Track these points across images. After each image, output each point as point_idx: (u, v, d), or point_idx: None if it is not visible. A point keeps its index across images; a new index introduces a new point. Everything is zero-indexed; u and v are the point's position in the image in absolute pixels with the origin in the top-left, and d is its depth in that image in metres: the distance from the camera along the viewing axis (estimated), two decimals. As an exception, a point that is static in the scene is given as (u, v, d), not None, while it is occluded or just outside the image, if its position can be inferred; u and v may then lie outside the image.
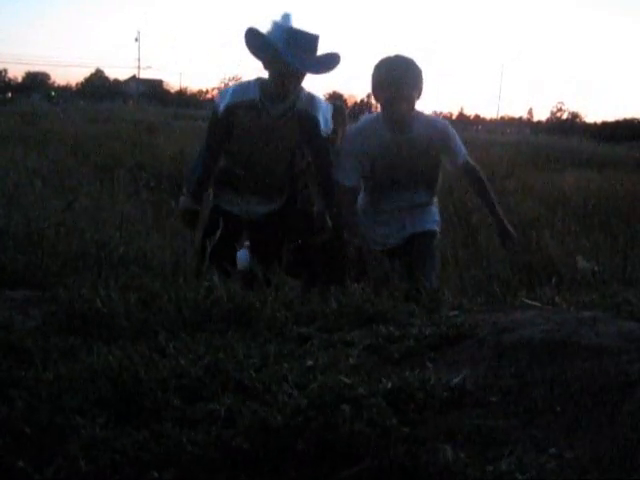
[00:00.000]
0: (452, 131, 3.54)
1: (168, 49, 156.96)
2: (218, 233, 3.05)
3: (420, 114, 3.47)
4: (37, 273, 3.45)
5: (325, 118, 3.37)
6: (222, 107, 3.29)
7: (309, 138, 3.37)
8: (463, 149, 3.56)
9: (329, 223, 3.42)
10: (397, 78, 3.26)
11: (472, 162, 3.59)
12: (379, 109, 3.53)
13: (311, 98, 3.35)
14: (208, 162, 3.43)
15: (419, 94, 3.36)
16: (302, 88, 3.31)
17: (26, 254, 3.82)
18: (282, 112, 3.29)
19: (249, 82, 3.35)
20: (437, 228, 3.61)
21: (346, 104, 4.23)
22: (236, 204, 3.45)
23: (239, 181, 3.41)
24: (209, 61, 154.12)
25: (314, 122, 3.32)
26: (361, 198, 3.58)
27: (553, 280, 3.14)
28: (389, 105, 3.32)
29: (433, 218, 3.60)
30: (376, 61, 3.39)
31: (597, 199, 9.43)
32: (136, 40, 71.61)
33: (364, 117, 3.77)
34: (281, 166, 3.44)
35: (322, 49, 3.23)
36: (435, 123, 3.56)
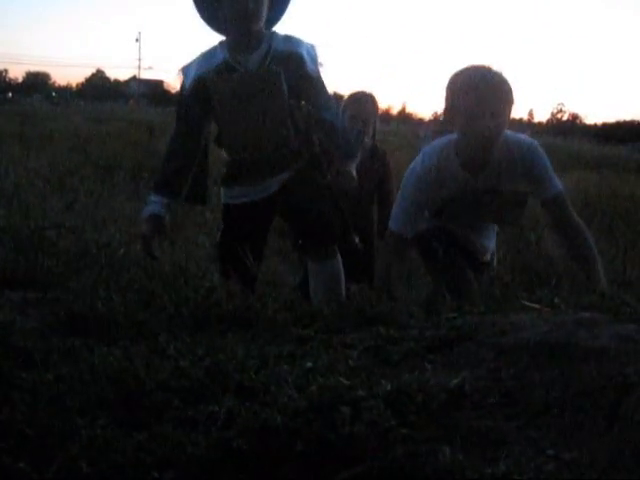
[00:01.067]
0: (541, 153, 2.81)
1: (169, 49, 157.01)
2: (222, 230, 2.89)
3: (502, 142, 2.76)
4: (37, 274, 3.45)
5: (310, 55, 2.92)
6: (189, 82, 2.93)
7: (297, 79, 2.87)
8: (556, 179, 2.83)
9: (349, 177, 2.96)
10: (487, 97, 2.59)
11: (568, 201, 2.88)
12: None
13: (288, 37, 2.96)
14: (179, 150, 3.00)
15: (507, 122, 2.71)
16: (275, 32, 2.96)
17: (26, 255, 3.83)
18: (259, 61, 2.88)
19: (213, 47, 2.99)
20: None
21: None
22: (250, 191, 3.01)
23: (246, 168, 2.97)
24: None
25: (298, 59, 2.88)
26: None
27: (547, 281, 3.11)
28: (470, 135, 2.67)
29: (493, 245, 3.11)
30: (451, 74, 2.73)
31: (597, 201, 9.44)
32: (137, 40, 71.75)
33: (436, 145, 2.89)
34: (281, 128, 2.89)
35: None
36: (520, 146, 2.79)
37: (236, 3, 2.80)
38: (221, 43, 2.98)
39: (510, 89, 2.62)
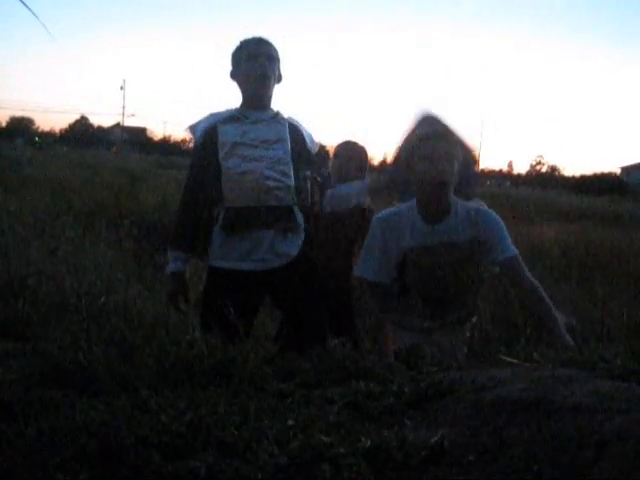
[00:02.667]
0: (493, 218, 3.00)
1: (152, 97, 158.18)
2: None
3: (457, 199, 2.95)
4: (18, 323, 3.44)
5: (309, 137, 3.24)
6: (198, 135, 3.09)
7: (299, 149, 3.12)
8: (510, 243, 3.01)
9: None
10: (441, 141, 2.78)
11: (523, 264, 3.02)
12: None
13: (292, 117, 3.23)
14: (193, 203, 3.07)
15: (459, 162, 2.85)
16: (280, 111, 3.19)
17: (7, 303, 3.81)
18: (268, 118, 3.11)
19: (221, 110, 3.17)
20: None
21: (328, 154, 4.19)
22: (246, 251, 3.00)
23: (244, 216, 2.99)
24: (193, 110, 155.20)
25: (300, 134, 3.18)
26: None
27: (527, 333, 3.13)
28: (427, 179, 2.80)
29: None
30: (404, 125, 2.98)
31: (576, 252, 9.54)
32: (121, 88, 72.25)
33: (396, 206, 3.15)
34: (284, 181, 3.01)
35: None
36: (477, 209, 2.98)
37: (252, 63, 3.07)
38: (230, 109, 3.16)
39: (459, 139, 2.86)
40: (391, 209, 3.07)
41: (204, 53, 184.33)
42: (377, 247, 2.97)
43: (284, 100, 3.25)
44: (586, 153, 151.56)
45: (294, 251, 3.07)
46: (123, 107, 72.87)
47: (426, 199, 2.87)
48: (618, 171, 62.54)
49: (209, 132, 3.05)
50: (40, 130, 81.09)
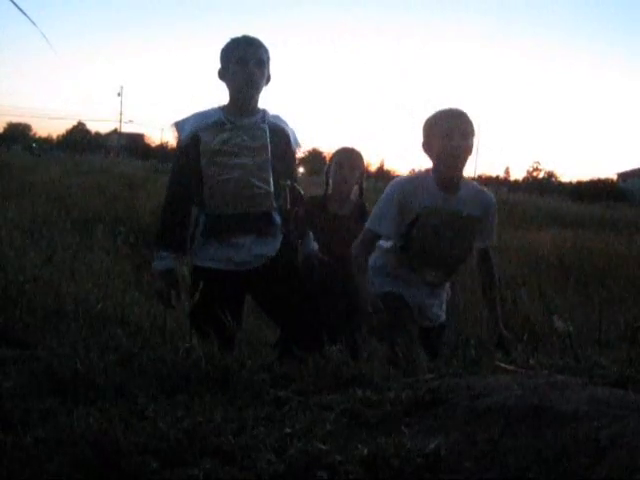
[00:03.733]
0: (496, 206, 3.35)
1: (150, 103, 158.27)
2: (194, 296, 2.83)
3: (468, 180, 3.30)
4: (15, 330, 3.44)
5: (294, 136, 3.26)
6: (184, 136, 3.09)
7: (282, 152, 3.16)
8: (494, 232, 3.34)
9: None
10: (457, 121, 3.11)
11: (493, 252, 3.38)
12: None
13: (277, 116, 3.23)
14: (178, 203, 3.12)
15: (471, 150, 3.20)
16: (266, 109, 3.19)
17: (3, 309, 3.81)
18: (251, 124, 3.11)
19: (208, 109, 3.17)
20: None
21: (325, 160, 4.21)
22: (226, 256, 3.08)
23: (224, 223, 3.06)
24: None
25: (285, 136, 3.20)
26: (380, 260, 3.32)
27: (524, 339, 3.18)
28: (445, 153, 3.11)
29: (444, 306, 3.42)
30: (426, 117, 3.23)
31: (573, 258, 9.56)
32: (119, 94, 72.28)
33: (412, 174, 3.44)
34: (264, 187, 3.09)
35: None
36: (484, 192, 3.34)
37: (241, 68, 3.06)
38: (216, 108, 3.15)
39: (472, 121, 3.13)
40: (407, 176, 3.40)
41: (202, 59, 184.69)
42: (391, 206, 3.15)
43: (281, 105, 3.26)
44: (583, 159, 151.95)
45: (272, 252, 3.14)
46: (120, 113, 72.52)
47: (442, 172, 3.15)
48: (615, 177, 62.59)
49: (193, 137, 3.07)
50: (37, 136, 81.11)
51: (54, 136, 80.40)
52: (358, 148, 4.13)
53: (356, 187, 4.09)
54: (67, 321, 3.93)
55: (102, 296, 4.71)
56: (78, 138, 72.04)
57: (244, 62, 3.06)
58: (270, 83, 3.23)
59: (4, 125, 78.87)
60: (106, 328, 3.58)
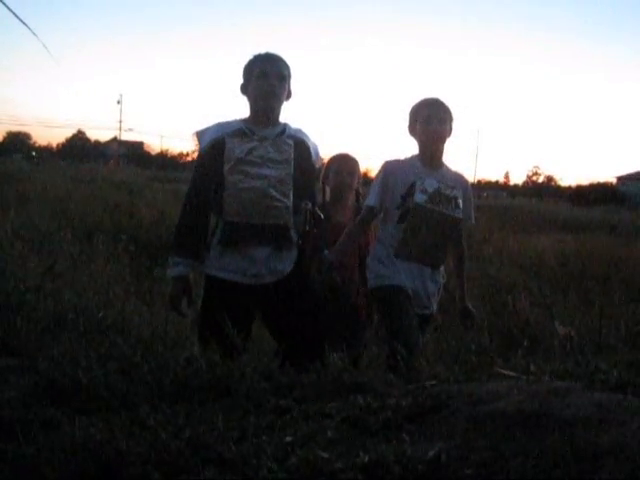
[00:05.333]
0: (471, 189, 3.81)
1: (149, 111, 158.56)
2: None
3: (447, 165, 3.68)
4: (16, 339, 3.44)
5: (315, 150, 3.32)
6: (205, 144, 3.14)
7: (302, 165, 3.19)
8: (473, 212, 3.76)
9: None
10: (435, 108, 3.54)
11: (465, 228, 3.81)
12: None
13: (299, 130, 3.30)
14: (196, 210, 3.14)
15: (450, 131, 3.62)
16: (287, 123, 3.25)
17: (5, 319, 3.81)
18: (275, 136, 3.16)
19: (229, 120, 3.23)
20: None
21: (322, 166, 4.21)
22: (240, 267, 3.08)
23: (241, 232, 3.07)
24: (190, 123, 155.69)
25: (306, 148, 3.25)
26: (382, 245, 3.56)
27: (525, 345, 3.20)
28: (425, 136, 3.54)
29: (438, 296, 3.66)
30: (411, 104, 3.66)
31: (572, 262, 9.56)
32: (118, 102, 72.28)
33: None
34: (283, 201, 3.11)
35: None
36: (462, 175, 3.78)
37: (263, 81, 3.13)
38: (238, 119, 3.22)
39: (449, 109, 3.59)
40: (396, 158, 3.71)
41: (201, 67, 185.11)
42: (378, 181, 3.54)
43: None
44: (582, 163, 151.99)
45: (287, 268, 3.14)
46: (120, 121, 72.46)
47: (424, 153, 3.59)
48: (614, 181, 62.56)
49: (216, 143, 3.10)
50: (37, 145, 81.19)
51: (54, 145, 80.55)
52: (353, 155, 4.16)
53: (353, 192, 4.13)
54: (68, 330, 3.92)
55: (103, 305, 4.71)
56: (78, 146, 72.12)
57: (265, 75, 3.14)
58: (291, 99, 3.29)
59: (4, 134, 79.00)
60: (107, 337, 3.59)
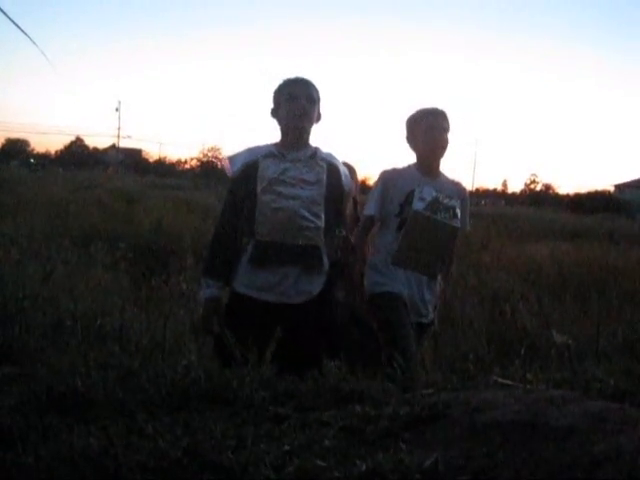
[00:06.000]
0: (468, 197, 3.85)
1: (147, 118, 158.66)
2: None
3: (445, 175, 3.72)
4: (14, 347, 3.44)
5: (344, 173, 3.34)
6: (236, 168, 3.20)
7: (333, 187, 3.23)
8: (468, 219, 3.79)
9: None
10: (436, 118, 3.59)
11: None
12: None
13: (330, 153, 3.34)
14: (227, 235, 3.19)
15: (448, 143, 3.65)
16: (318, 147, 3.30)
17: (2, 326, 3.82)
18: (307, 158, 3.22)
19: (259, 145, 3.30)
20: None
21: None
22: (269, 286, 3.11)
23: (272, 251, 3.10)
24: (188, 131, 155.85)
25: (337, 171, 3.28)
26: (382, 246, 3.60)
27: (523, 353, 3.21)
28: (428, 145, 3.58)
29: (435, 304, 3.67)
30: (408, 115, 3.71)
31: (571, 270, 9.57)
32: (116, 110, 72.34)
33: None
34: (314, 221, 3.14)
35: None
36: (459, 183, 3.82)
37: (293, 103, 3.20)
38: (268, 144, 3.28)
39: (449, 119, 3.64)
40: (393, 167, 3.73)
41: (199, 74, 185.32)
42: (376, 190, 3.60)
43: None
44: (580, 171, 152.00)
45: (316, 290, 3.17)
46: (118, 128, 72.46)
47: (423, 162, 3.63)
48: (612, 189, 62.66)
49: (249, 166, 3.17)
50: (35, 152, 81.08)
51: (52, 151, 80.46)
52: (350, 164, 4.17)
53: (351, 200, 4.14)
54: (66, 338, 3.93)
55: (101, 313, 4.72)
56: (76, 153, 72.10)
57: (295, 97, 3.20)
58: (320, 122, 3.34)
59: (2, 141, 78.87)
60: (105, 345, 3.59)
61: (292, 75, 3.30)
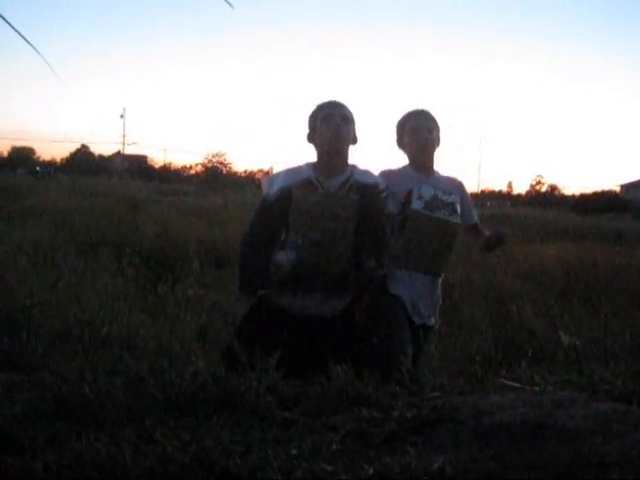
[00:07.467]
0: (465, 188, 3.87)
1: (153, 125, 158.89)
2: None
3: (439, 173, 3.73)
4: (22, 354, 3.45)
5: (381, 188, 3.37)
6: (274, 191, 3.26)
7: (368, 208, 3.26)
8: (473, 210, 3.81)
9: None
10: (421, 118, 3.63)
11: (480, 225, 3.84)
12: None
13: (367, 172, 3.39)
14: (259, 250, 3.27)
15: (438, 140, 3.69)
16: (356, 165, 3.35)
17: (10, 334, 3.83)
18: (339, 186, 3.26)
19: (299, 166, 3.36)
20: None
21: None
22: (295, 302, 3.19)
23: (300, 274, 3.17)
24: (193, 137, 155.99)
25: (372, 192, 3.31)
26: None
27: (530, 355, 3.20)
28: (415, 145, 3.60)
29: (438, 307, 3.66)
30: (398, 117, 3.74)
31: (577, 271, 9.53)
32: (121, 117, 72.40)
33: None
34: (344, 252, 3.21)
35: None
36: (454, 178, 3.82)
37: (328, 124, 3.25)
38: (307, 164, 3.34)
39: (435, 118, 3.67)
40: (390, 168, 3.72)
41: (204, 80, 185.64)
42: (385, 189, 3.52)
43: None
44: (586, 171, 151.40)
45: (340, 306, 3.20)
46: (124, 135, 72.47)
47: (415, 163, 3.64)
48: (618, 189, 62.42)
49: (285, 192, 3.22)
50: (41, 159, 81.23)
51: (58, 159, 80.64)
52: None
53: None
54: (74, 345, 3.94)
55: (108, 319, 4.72)
56: (82, 161, 72.21)
57: (330, 119, 3.26)
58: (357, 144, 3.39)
59: (8, 149, 79.06)
60: (113, 351, 3.60)
61: (325, 99, 3.36)
